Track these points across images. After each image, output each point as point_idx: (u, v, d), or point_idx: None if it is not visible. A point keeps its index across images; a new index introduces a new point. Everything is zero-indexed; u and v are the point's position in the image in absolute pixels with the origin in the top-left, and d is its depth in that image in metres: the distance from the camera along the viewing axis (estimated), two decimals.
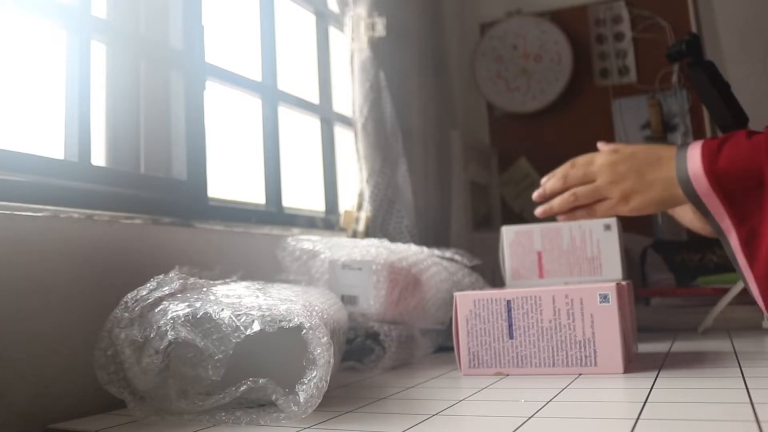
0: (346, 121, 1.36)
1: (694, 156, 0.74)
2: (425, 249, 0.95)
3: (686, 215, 0.96)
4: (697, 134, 1.57)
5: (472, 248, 1.05)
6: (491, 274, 1.19)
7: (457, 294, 0.74)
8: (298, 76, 1.28)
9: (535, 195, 0.90)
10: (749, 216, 0.71)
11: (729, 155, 0.72)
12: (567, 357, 0.69)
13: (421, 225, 1.39)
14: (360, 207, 1.24)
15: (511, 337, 0.71)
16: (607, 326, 0.68)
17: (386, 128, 1.28)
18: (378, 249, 0.87)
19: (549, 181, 0.89)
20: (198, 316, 0.53)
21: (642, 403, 0.50)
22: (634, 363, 0.73)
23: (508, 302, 0.72)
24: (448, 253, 0.96)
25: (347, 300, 0.83)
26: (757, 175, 0.70)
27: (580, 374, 0.67)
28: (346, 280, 0.84)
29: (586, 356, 0.68)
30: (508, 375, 0.71)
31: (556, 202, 0.87)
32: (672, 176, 0.76)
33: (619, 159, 0.82)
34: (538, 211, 0.91)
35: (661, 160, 0.78)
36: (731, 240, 0.74)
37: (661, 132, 1.60)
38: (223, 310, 0.53)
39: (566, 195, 0.85)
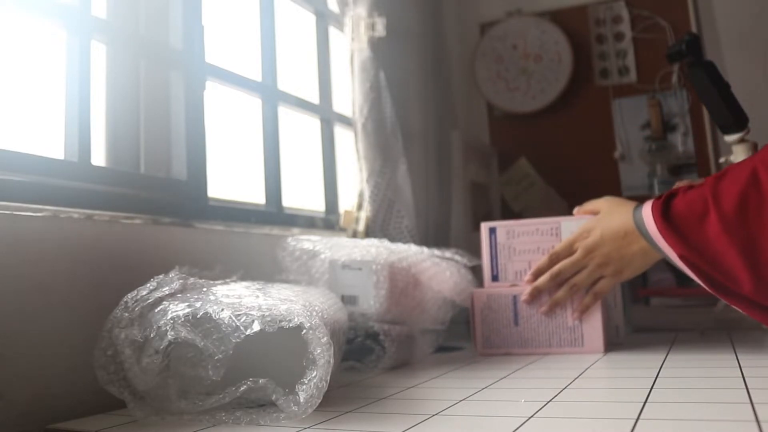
0: (346, 121, 1.36)
1: (647, 210, 0.81)
2: (425, 249, 0.95)
3: None
4: (697, 134, 1.57)
5: (472, 248, 1.05)
6: None
7: (473, 290, 0.92)
8: (298, 76, 1.28)
9: (526, 298, 0.88)
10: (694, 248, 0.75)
11: (676, 201, 0.78)
12: (560, 340, 0.87)
13: (421, 225, 1.39)
14: (360, 207, 1.24)
15: (516, 324, 0.89)
16: (591, 316, 0.86)
17: (386, 128, 1.28)
18: (378, 249, 0.87)
19: (540, 280, 0.88)
20: (198, 316, 0.53)
21: (642, 403, 0.50)
22: (623, 345, 0.90)
23: (515, 296, 0.90)
24: (448, 253, 0.96)
25: (347, 300, 0.83)
26: (703, 207, 0.75)
27: (571, 353, 0.86)
28: (347, 280, 0.84)
29: (575, 339, 0.86)
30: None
31: (560, 297, 0.87)
32: (644, 245, 0.82)
33: (596, 242, 0.85)
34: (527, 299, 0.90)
35: (627, 235, 0.83)
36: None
37: (661, 132, 1.60)
38: (223, 310, 0.53)
39: (566, 288, 0.87)
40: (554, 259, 0.88)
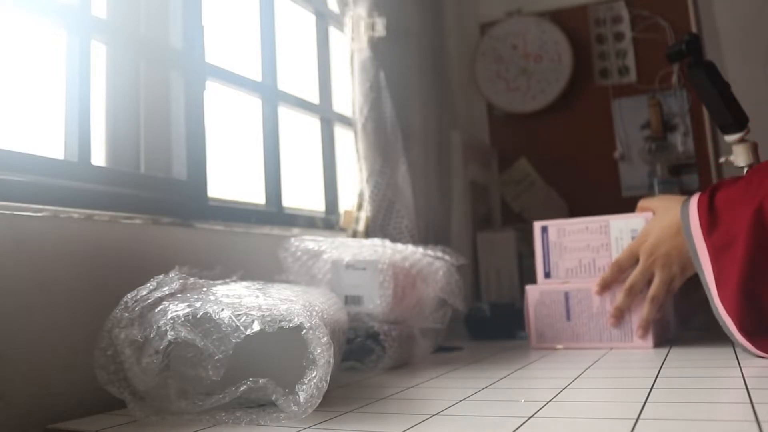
0: (346, 121, 1.36)
1: (693, 204, 0.82)
2: (420, 248, 0.95)
3: None
4: (697, 134, 1.57)
5: (473, 248, 1.05)
6: (496, 274, 1.18)
7: (527, 287, 0.96)
8: (298, 76, 1.28)
9: (612, 321, 0.89)
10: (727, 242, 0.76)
11: (720, 195, 0.79)
12: (610, 334, 0.89)
13: (421, 225, 1.39)
14: (360, 207, 1.24)
15: (568, 319, 0.93)
16: (640, 312, 0.87)
17: (386, 128, 1.27)
18: (382, 249, 0.87)
19: (619, 300, 0.88)
20: (198, 316, 0.53)
21: (642, 403, 0.50)
22: (673, 341, 0.91)
23: (566, 293, 0.93)
24: (438, 252, 0.96)
25: (351, 300, 0.83)
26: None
27: (618, 348, 0.88)
28: (351, 280, 0.84)
29: (624, 334, 0.89)
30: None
31: (648, 316, 0.87)
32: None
33: (654, 244, 0.86)
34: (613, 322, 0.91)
35: (679, 231, 0.83)
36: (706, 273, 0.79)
37: (661, 132, 1.60)
38: (223, 310, 0.53)
39: (648, 306, 0.87)
40: (616, 268, 0.89)
